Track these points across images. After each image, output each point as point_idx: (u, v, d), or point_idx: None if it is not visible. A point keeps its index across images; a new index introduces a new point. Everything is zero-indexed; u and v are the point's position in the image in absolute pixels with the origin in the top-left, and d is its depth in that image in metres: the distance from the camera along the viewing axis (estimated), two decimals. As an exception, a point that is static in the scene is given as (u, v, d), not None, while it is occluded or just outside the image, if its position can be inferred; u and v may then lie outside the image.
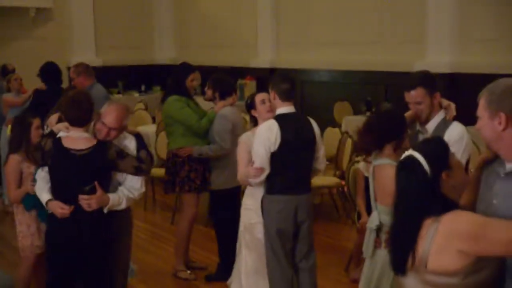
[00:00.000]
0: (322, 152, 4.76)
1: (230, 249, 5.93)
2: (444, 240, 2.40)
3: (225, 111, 5.78)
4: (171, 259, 6.54)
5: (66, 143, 4.08)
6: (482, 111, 2.52)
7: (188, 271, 6.10)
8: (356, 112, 10.85)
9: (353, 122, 10.33)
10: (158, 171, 8.92)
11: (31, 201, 4.68)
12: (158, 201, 8.87)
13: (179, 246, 6.17)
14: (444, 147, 2.59)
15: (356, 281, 5.84)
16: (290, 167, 4.55)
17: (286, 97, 4.58)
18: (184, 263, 6.20)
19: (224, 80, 5.95)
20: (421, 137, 3.84)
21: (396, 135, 3.87)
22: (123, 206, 4.22)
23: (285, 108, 4.58)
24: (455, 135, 3.56)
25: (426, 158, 2.51)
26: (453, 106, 4.01)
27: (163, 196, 9.10)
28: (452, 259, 2.39)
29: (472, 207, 2.67)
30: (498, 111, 2.46)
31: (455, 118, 4.01)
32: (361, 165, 5.92)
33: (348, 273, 6.05)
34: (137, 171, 4.19)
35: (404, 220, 2.54)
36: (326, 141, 8.66)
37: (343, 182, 7.37)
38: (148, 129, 10.17)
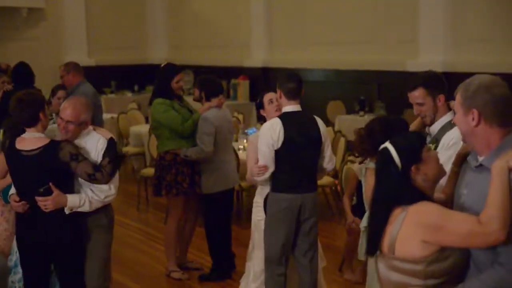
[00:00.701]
0: (329, 151, 4.76)
1: (223, 251, 5.94)
2: (410, 229, 2.53)
3: (208, 113, 5.72)
4: (164, 259, 6.53)
5: (18, 144, 4.06)
6: (457, 106, 2.62)
7: (181, 271, 6.09)
8: (349, 111, 10.87)
9: (346, 121, 10.37)
10: (152, 171, 8.90)
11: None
12: (151, 201, 8.84)
13: (168, 247, 6.14)
14: (418, 141, 2.70)
15: (350, 281, 5.87)
16: (294, 165, 4.56)
17: (291, 96, 4.60)
18: (179, 263, 6.18)
19: (210, 81, 5.90)
20: (428, 140, 3.76)
21: None
22: (86, 208, 4.08)
23: (290, 107, 4.61)
24: (449, 140, 3.52)
25: (398, 151, 2.65)
26: None
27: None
28: (417, 248, 2.51)
29: (451, 201, 2.79)
30: (471, 107, 2.55)
31: None
32: (355, 167, 5.92)
33: (342, 273, 6.05)
34: (90, 179, 4.03)
35: (376, 208, 2.72)
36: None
37: (337, 181, 7.38)
38: (141, 128, 10.16)
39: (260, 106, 4.98)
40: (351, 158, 6.35)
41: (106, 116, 11.70)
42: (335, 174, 7.80)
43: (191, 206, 6.12)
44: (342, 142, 8.00)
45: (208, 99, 5.77)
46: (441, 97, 3.73)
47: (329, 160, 4.75)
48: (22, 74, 7.48)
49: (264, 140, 4.54)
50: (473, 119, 2.55)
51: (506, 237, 2.40)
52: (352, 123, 10.15)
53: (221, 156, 5.67)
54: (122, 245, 6.84)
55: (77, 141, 4.15)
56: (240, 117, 10.42)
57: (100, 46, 14.65)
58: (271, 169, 4.55)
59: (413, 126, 3.96)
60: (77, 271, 4.21)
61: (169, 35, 15.71)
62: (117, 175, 4.23)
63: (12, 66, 8.50)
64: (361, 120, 10.11)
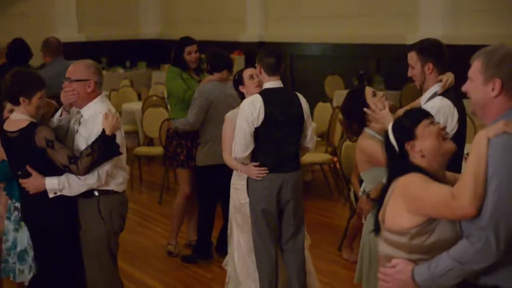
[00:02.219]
0: (311, 129, 4.70)
1: (207, 229, 5.92)
2: (396, 200, 2.61)
3: (205, 86, 5.75)
4: (159, 240, 6.53)
5: (5, 125, 4.05)
6: (476, 73, 2.53)
7: (174, 245, 6.19)
8: (348, 86, 10.80)
9: (344, 96, 10.30)
10: (145, 150, 8.90)
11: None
12: (145, 181, 8.83)
13: (172, 221, 6.30)
14: (414, 117, 2.74)
15: (348, 261, 5.87)
16: (274, 144, 4.51)
17: (272, 71, 4.53)
18: (188, 240, 6.34)
19: (215, 55, 5.90)
20: None
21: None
22: (66, 191, 3.99)
23: (271, 83, 4.54)
24: (429, 109, 3.57)
25: (393, 129, 2.76)
26: (447, 78, 3.96)
27: (150, 175, 9.10)
28: (402, 218, 2.57)
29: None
30: (495, 76, 2.47)
31: (455, 90, 3.97)
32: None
33: (341, 252, 6.05)
34: (64, 169, 3.94)
35: (383, 187, 2.80)
36: (317, 117, 8.65)
37: (335, 159, 7.35)
38: (134, 106, 10.12)
39: (239, 82, 4.87)
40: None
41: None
42: (334, 151, 7.78)
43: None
44: (340, 118, 7.96)
45: (211, 72, 5.78)
46: (429, 65, 3.96)
47: (310, 139, 4.69)
48: (15, 50, 7.38)
49: (244, 117, 4.45)
50: (493, 89, 2.47)
51: (477, 212, 2.37)
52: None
53: (216, 130, 5.62)
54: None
55: (83, 110, 4.08)
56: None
57: (90, 21, 14.53)
58: (251, 147, 4.49)
59: (412, 104, 4.05)
60: (55, 258, 4.14)
61: (161, 9, 15.58)
62: (123, 160, 4.16)
63: (0, 42, 8.37)
64: (360, 95, 10.07)
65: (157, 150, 8.47)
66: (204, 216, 5.93)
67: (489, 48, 2.54)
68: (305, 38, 11.74)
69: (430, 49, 4.02)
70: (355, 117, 3.96)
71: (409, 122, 2.72)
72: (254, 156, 4.55)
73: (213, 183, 5.74)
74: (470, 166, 2.40)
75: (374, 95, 3.94)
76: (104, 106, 4.10)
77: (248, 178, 4.61)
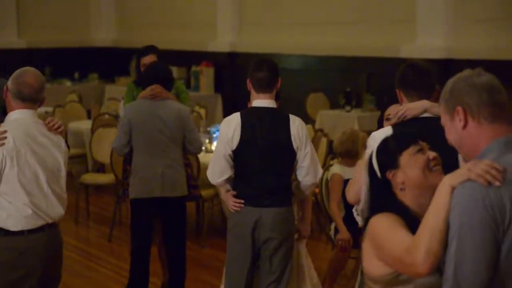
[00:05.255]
0: (307, 161, 4.57)
1: (135, 273, 5.79)
2: (367, 243, 2.67)
3: (130, 104, 5.79)
4: (107, 284, 6.45)
5: None
6: (443, 116, 2.59)
7: None
8: (334, 105, 10.87)
9: (329, 117, 10.36)
10: (94, 177, 8.82)
11: None
12: (93, 214, 8.75)
13: None
14: (400, 142, 2.76)
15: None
16: (252, 173, 4.51)
17: (260, 87, 4.54)
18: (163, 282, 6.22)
19: (148, 66, 5.87)
20: None
21: None
22: None
23: (259, 101, 4.55)
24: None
25: (377, 151, 2.79)
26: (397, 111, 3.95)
27: (99, 207, 9.02)
28: (373, 265, 2.64)
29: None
30: (455, 106, 2.51)
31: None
32: (336, 168, 5.89)
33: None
34: None
35: (364, 221, 2.88)
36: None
37: (317, 190, 7.32)
38: (82, 125, 10.05)
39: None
40: (334, 161, 6.31)
41: (39, 110, 11.54)
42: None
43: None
44: (323, 143, 7.97)
45: (143, 88, 5.74)
46: (398, 92, 3.96)
47: (306, 173, 4.59)
48: None
49: (219, 137, 4.55)
50: (460, 120, 2.50)
51: (429, 271, 2.37)
52: (336, 119, 10.15)
53: (141, 158, 5.55)
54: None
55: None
56: (202, 111, 10.35)
57: (32, 24, 14.48)
58: (227, 173, 4.52)
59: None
60: None
61: (116, 11, 15.58)
62: (12, 187, 3.91)
63: None
64: (347, 116, 10.11)
65: (108, 177, 8.41)
66: (138, 259, 5.78)
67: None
68: (284, 49, 11.78)
69: (399, 74, 3.97)
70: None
71: (394, 147, 2.74)
72: (235, 184, 4.58)
73: (142, 220, 5.65)
74: (428, 218, 2.39)
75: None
76: None
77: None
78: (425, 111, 3.74)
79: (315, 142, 8.10)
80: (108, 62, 14.68)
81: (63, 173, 4.12)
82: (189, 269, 5.94)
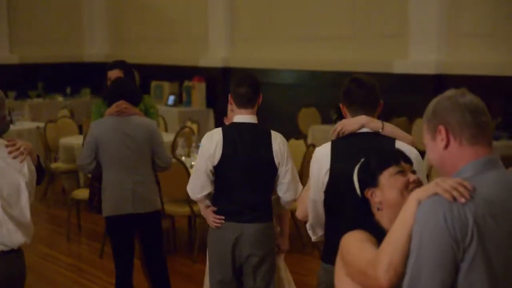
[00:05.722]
0: (288, 177, 4.57)
1: (118, 281, 5.74)
2: (338, 262, 2.68)
3: (97, 121, 5.70)
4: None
5: None
6: (424, 135, 2.57)
7: None
8: (325, 120, 10.86)
9: (321, 132, 10.33)
10: (86, 193, 8.75)
11: None
12: (84, 229, 8.70)
13: None
14: (381, 161, 2.77)
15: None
16: (233, 188, 4.51)
17: (241, 103, 4.56)
18: None
19: (113, 83, 5.83)
20: None
21: None
22: None
23: (241, 117, 4.56)
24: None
25: (359, 168, 2.81)
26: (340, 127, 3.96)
27: (91, 222, 8.96)
28: (343, 282, 2.65)
29: None
30: (437, 125, 2.50)
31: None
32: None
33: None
34: None
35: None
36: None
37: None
38: (74, 140, 9.98)
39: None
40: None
41: (30, 125, 11.57)
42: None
43: None
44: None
45: (108, 104, 5.68)
46: (342, 107, 4.03)
47: (287, 189, 4.57)
48: None
49: (201, 152, 4.53)
50: (442, 139, 2.48)
51: (390, 285, 2.35)
52: (328, 134, 10.06)
53: (110, 175, 5.52)
54: (48, 286, 6.71)
55: None
56: (194, 127, 10.32)
57: (25, 40, 14.50)
58: (207, 188, 4.51)
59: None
60: None
61: (109, 26, 15.61)
62: (25, 203, 3.80)
63: None
64: (340, 131, 10.08)
65: (100, 193, 8.34)
66: (120, 274, 5.68)
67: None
68: (276, 64, 11.80)
69: (341, 88, 4.00)
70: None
71: (375, 165, 2.75)
72: (215, 200, 4.56)
73: (120, 234, 5.60)
74: (393, 231, 2.39)
75: None
76: None
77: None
78: (362, 126, 3.78)
79: (306, 157, 8.09)
80: (101, 77, 14.63)
81: (24, 197, 3.82)
82: (181, 285, 5.92)
